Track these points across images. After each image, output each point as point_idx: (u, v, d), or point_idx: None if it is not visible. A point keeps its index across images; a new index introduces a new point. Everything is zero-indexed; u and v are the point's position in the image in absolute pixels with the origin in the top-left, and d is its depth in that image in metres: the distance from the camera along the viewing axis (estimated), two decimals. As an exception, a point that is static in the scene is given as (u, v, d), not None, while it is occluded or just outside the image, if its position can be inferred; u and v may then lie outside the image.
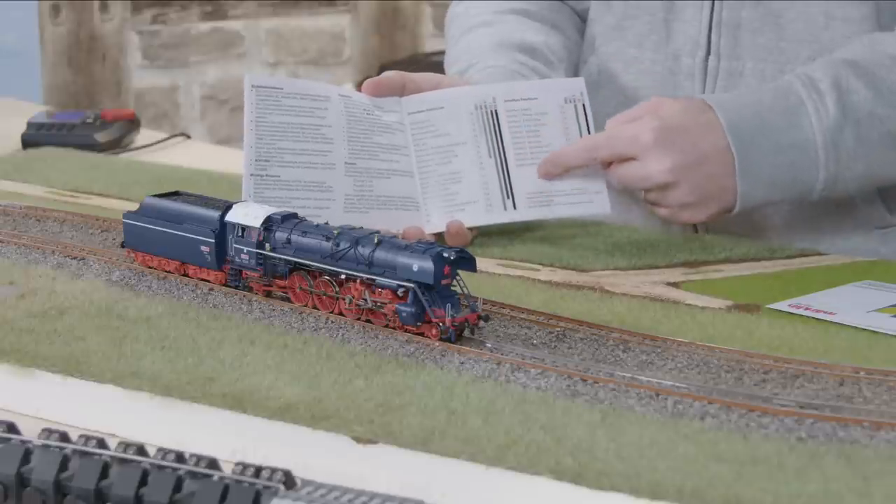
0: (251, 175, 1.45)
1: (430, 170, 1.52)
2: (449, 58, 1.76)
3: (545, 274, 1.45)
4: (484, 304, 1.24)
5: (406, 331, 1.20)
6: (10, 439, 0.97)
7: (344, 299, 1.24)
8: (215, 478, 0.91)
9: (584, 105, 1.54)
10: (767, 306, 1.33)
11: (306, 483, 0.90)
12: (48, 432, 0.97)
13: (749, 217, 1.65)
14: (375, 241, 1.22)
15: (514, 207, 1.52)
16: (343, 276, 1.23)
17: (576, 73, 1.76)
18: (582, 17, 1.82)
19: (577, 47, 1.79)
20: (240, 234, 1.29)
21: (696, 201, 1.48)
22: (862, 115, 1.49)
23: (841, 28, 1.58)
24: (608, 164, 1.50)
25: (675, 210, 1.50)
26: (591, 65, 1.75)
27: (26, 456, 0.95)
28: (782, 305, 1.33)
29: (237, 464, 0.92)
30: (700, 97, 1.51)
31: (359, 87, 1.57)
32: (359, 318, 1.24)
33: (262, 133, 1.46)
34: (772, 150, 1.48)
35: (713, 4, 1.63)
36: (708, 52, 1.64)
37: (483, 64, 1.66)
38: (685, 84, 1.65)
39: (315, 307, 1.27)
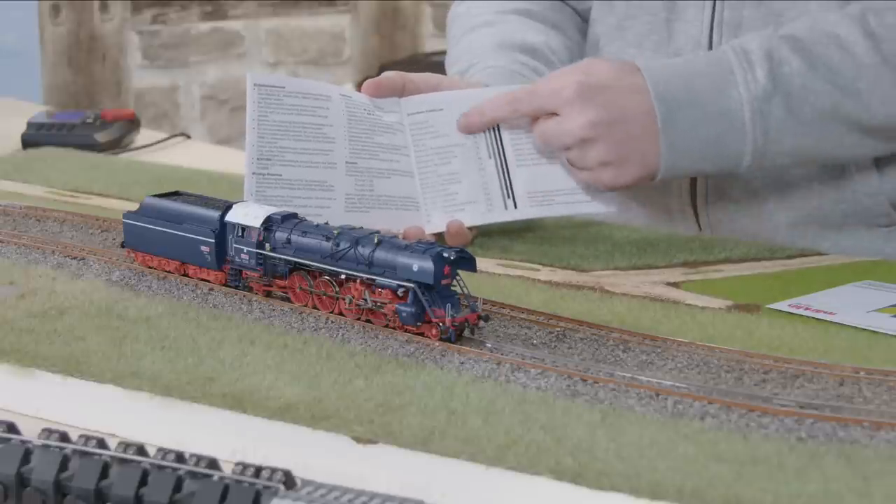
0: (253, 174, 1.45)
1: (429, 170, 1.52)
2: (450, 57, 1.76)
3: (545, 274, 1.44)
4: (484, 304, 1.24)
5: (406, 331, 1.20)
6: (10, 439, 0.97)
7: (344, 299, 1.24)
8: (215, 478, 0.91)
9: None
10: (767, 306, 1.33)
11: (306, 483, 0.90)
12: (48, 432, 0.97)
13: (753, 213, 1.65)
14: (375, 241, 1.22)
15: (515, 207, 1.52)
16: (343, 276, 1.23)
17: None
18: (583, 17, 1.82)
19: (578, 47, 1.79)
20: (240, 234, 1.29)
21: (616, 160, 1.46)
22: (793, 88, 1.47)
23: None
24: (535, 121, 1.49)
25: (595, 171, 1.47)
26: None
27: (26, 456, 0.95)
28: (782, 305, 1.33)
29: (237, 464, 0.92)
30: (633, 61, 1.50)
31: (359, 87, 1.57)
32: (359, 318, 1.24)
33: (263, 131, 1.46)
34: (698, 119, 1.47)
35: (714, 4, 1.62)
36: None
37: (483, 64, 1.66)
38: None
39: (315, 307, 1.27)
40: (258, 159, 1.45)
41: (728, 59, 1.48)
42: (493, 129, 1.53)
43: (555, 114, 1.46)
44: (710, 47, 1.62)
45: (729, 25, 1.61)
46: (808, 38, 1.49)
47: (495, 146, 1.52)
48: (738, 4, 1.61)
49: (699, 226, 1.68)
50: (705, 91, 1.47)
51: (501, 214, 1.52)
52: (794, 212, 1.64)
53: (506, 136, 1.53)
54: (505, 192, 1.52)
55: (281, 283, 1.29)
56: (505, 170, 1.52)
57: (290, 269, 1.28)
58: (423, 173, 1.52)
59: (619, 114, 1.45)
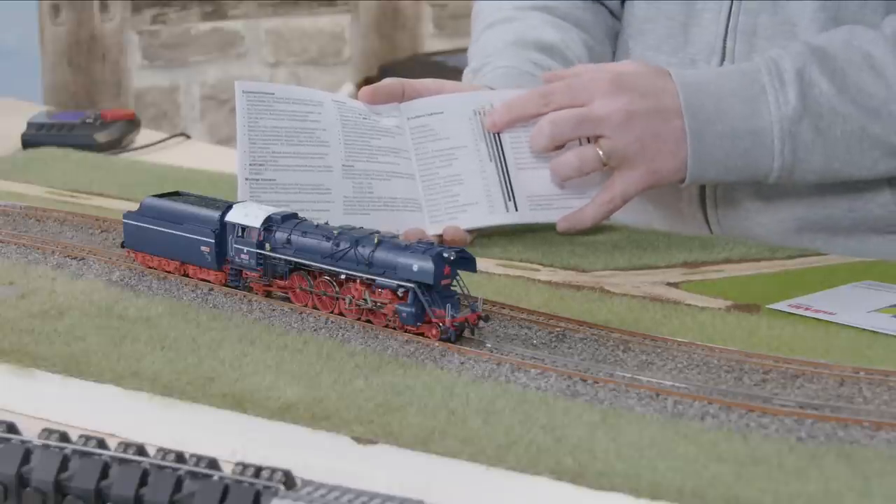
0: (246, 179, 1.44)
1: (431, 172, 1.52)
2: (469, 53, 1.76)
3: (545, 274, 1.44)
4: (484, 304, 1.24)
5: (406, 331, 1.20)
6: (10, 439, 0.97)
7: (344, 299, 1.24)
8: (215, 478, 0.91)
9: None
10: (767, 306, 1.33)
11: (306, 483, 0.90)
12: (48, 432, 0.97)
13: (763, 219, 1.65)
14: (375, 241, 1.22)
15: (516, 209, 1.52)
16: (343, 277, 1.23)
17: None
18: (617, 17, 1.82)
19: (601, 46, 1.77)
20: (240, 234, 1.29)
21: (638, 156, 1.47)
22: (823, 110, 1.49)
23: None
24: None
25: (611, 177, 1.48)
26: None
27: (26, 456, 0.96)
28: (782, 305, 1.33)
29: (237, 464, 0.92)
30: (666, 71, 1.51)
31: (359, 87, 1.56)
32: (359, 318, 1.24)
33: (255, 137, 1.45)
34: (728, 135, 1.48)
35: (730, 11, 1.62)
36: (723, 58, 1.63)
37: (495, 63, 1.66)
38: None
39: (315, 307, 1.27)
40: (250, 165, 1.45)
41: (760, 79, 1.49)
42: (494, 133, 1.53)
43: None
44: (724, 54, 1.63)
45: (743, 33, 1.61)
46: (841, 57, 1.50)
47: (496, 150, 1.52)
48: (754, 11, 1.61)
49: (710, 230, 1.68)
50: (736, 109, 1.48)
51: (503, 217, 1.52)
52: (805, 218, 1.64)
53: (506, 139, 1.52)
54: (506, 195, 1.52)
55: (281, 283, 1.29)
56: (505, 173, 1.52)
57: (290, 269, 1.28)
58: (425, 176, 1.52)
59: (654, 105, 1.47)
